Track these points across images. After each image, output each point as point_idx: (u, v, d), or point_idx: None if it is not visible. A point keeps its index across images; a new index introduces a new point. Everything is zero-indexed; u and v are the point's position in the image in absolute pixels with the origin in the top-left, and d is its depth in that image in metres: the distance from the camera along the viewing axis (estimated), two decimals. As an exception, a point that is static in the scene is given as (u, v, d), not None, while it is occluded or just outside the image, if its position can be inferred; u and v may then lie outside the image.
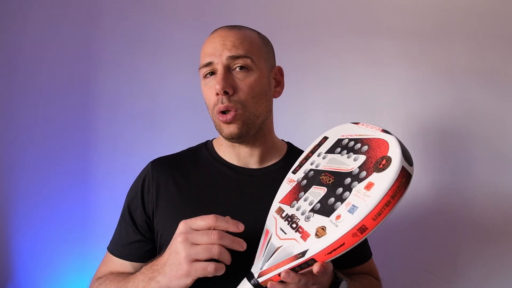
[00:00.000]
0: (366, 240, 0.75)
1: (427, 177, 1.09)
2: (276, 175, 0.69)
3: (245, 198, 0.67)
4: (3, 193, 1.31)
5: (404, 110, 1.12)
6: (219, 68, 0.63)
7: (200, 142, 0.79)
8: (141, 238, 0.68)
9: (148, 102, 1.27)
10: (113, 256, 0.70)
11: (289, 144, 0.79)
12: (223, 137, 0.67)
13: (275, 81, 0.72)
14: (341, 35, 1.17)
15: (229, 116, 0.63)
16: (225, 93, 0.62)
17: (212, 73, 0.65)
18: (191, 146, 0.79)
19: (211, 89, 0.65)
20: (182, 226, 0.52)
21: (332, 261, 0.45)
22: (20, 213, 1.30)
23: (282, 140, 0.80)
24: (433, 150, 1.10)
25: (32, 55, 1.31)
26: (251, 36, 0.68)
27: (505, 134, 1.06)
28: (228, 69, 0.64)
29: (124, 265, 0.69)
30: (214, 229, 0.50)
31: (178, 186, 0.68)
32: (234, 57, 0.63)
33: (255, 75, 0.65)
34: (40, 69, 1.31)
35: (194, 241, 0.50)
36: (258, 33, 0.71)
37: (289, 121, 1.17)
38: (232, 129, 0.64)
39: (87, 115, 1.29)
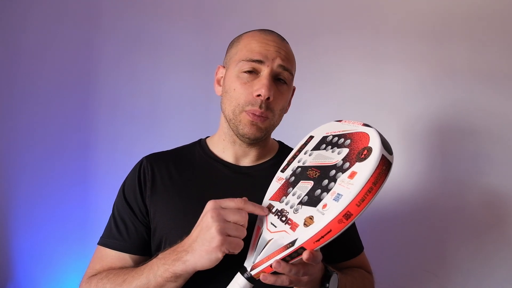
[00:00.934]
0: (356, 233, 0.77)
1: (428, 177, 1.09)
2: (268, 172, 0.70)
3: (238, 195, 0.67)
4: (3, 193, 1.31)
5: (404, 110, 1.13)
6: (267, 72, 0.64)
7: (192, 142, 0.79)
8: (139, 226, 0.67)
9: (148, 102, 1.27)
10: (110, 251, 0.68)
11: (280, 143, 0.81)
12: (240, 134, 0.67)
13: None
14: (341, 35, 1.17)
15: (261, 119, 0.65)
16: (267, 99, 0.63)
17: (251, 71, 0.65)
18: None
19: (247, 85, 0.65)
20: (211, 204, 0.53)
21: (325, 255, 0.46)
22: (20, 213, 1.30)
23: (273, 139, 0.81)
24: (433, 149, 1.10)
25: (32, 55, 1.31)
26: (293, 55, 0.71)
27: (505, 133, 1.06)
28: (273, 77, 0.65)
29: (123, 259, 0.67)
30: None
31: (173, 180, 0.68)
32: (285, 69, 0.66)
33: (289, 91, 0.70)
34: (40, 69, 1.31)
35: (226, 218, 0.51)
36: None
37: (290, 122, 1.17)
38: (254, 131, 0.65)
39: (87, 115, 1.29)
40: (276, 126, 0.71)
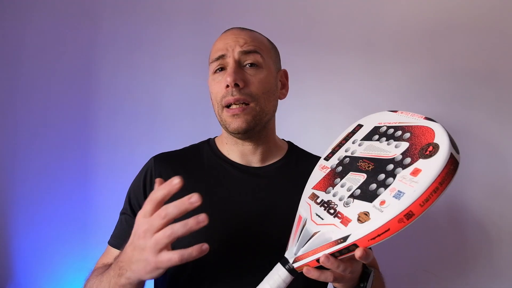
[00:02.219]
0: None
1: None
2: (277, 173, 0.70)
3: (247, 196, 0.67)
4: (3, 193, 1.31)
5: (405, 110, 1.13)
6: (230, 62, 0.65)
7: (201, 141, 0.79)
8: None
9: (149, 102, 1.27)
10: (112, 248, 0.70)
11: (290, 143, 0.80)
12: (230, 132, 0.67)
13: (280, 83, 0.74)
14: (341, 35, 1.17)
15: (240, 108, 0.64)
16: (236, 85, 0.63)
17: (222, 69, 0.66)
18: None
19: (219, 83, 0.66)
20: (139, 221, 0.48)
21: None
22: (21, 213, 1.30)
23: (283, 139, 0.80)
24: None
25: (33, 56, 1.31)
26: (261, 37, 0.71)
27: (505, 133, 1.06)
28: (239, 64, 0.65)
29: None
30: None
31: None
32: (246, 52, 0.65)
33: (264, 72, 0.67)
34: (41, 70, 1.31)
35: (153, 229, 0.46)
36: (267, 38, 0.74)
37: (294, 122, 1.18)
38: (239, 123, 0.64)
39: (89, 115, 1.29)
40: (268, 112, 0.68)
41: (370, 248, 0.45)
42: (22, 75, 1.31)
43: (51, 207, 1.28)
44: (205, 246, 0.45)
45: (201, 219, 0.45)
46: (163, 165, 0.71)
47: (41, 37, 1.31)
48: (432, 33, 1.12)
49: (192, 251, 0.45)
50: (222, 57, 0.66)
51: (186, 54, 1.25)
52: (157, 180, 0.50)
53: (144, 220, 0.47)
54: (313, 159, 0.72)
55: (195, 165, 0.71)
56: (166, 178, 0.67)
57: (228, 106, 0.65)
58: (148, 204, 0.48)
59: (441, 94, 1.10)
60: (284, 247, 0.53)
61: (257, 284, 0.50)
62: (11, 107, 1.31)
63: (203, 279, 0.62)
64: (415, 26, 1.13)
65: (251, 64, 0.66)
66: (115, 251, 0.69)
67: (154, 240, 0.46)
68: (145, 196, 0.68)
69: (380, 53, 1.14)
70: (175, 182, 0.46)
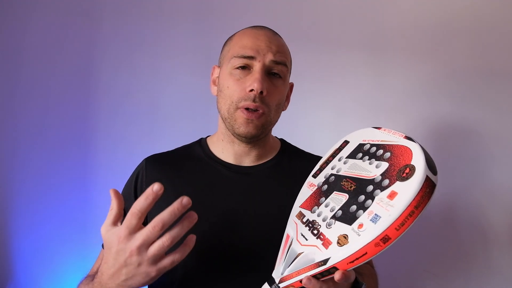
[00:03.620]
0: None
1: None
2: (269, 172, 0.69)
3: (239, 196, 0.67)
4: (3, 193, 1.31)
5: (405, 111, 1.13)
6: (259, 67, 0.63)
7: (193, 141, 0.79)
8: None
9: (148, 102, 1.27)
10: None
11: (283, 141, 0.79)
12: (236, 133, 0.66)
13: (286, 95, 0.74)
14: (341, 35, 1.17)
15: (256, 115, 0.63)
16: (260, 93, 0.62)
17: (244, 67, 0.65)
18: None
19: (240, 82, 0.64)
20: (130, 243, 0.46)
21: None
22: (21, 213, 1.30)
23: (276, 137, 0.80)
24: (434, 150, 1.10)
25: (33, 56, 1.31)
26: (288, 49, 0.70)
27: (507, 134, 1.06)
28: (266, 71, 0.64)
29: None
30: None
31: (172, 183, 0.68)
32: (277, 62, 0.65)
33: (284, 84, 0.68)
34: (41, 69, 1.30)
35: (149, 243, 0.46)
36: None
37: (300, 123, 1.18)
38: (250, 128, 0.64)
39: (88, 115, 1.29)
40: (274, 123, 0.69)
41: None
42: (21, 75, 1.31)
43: (51, 207, 1.28)
44: (194, 216, 0.46)
45: (193, 217, 0.46)
46: (154, 167, 0.70)
47: (41, 37, 1.31)
48: (433, 34, 1.11)
49: (188, 244, 0.47)
50: (251, 57, 0.64)
51: (186, 54, 1.25)
52: (112, 190, 0.49)
53: (133, 236, 0.45)
54: (307, 157, 0.72)
55: (186, 166, 0.71)
56: (157, 177, 0.68)
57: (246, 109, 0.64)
58: (133, 218, 0.45)
59: (448, 94, 1.10)
60: (276, 247, 0.54)
61: (249, 285, 0.51)
62: (11, 107, 1.31)
63: (194, 281, 0.61)
64: (425, 25, 1.12)
65: (275, 74, 0.65)
66: None
67: (153, 253, 0.45)
68: (136, 198, 0.67)
69: (389, 52, 1.14)
70: (157, 188, 0.45)
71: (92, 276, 0.60)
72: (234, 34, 0.71)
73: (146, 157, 0.74)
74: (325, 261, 0.44)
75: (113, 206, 0.48)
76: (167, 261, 0.46)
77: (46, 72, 1.30)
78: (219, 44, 0.75)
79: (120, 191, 0.73)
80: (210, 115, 1.22)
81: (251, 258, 0.61)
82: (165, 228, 0.45)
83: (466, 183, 1.08)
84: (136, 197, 0.68)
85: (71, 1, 1.31)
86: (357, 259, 0.41)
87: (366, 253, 0.41)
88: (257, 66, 0.63)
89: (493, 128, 1.07)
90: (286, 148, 0.77)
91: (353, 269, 0.62)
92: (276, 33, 0.70)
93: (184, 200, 0.45)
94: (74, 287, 0.61)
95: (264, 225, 0.64)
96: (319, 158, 0.66)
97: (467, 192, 1.08)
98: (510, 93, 1.07)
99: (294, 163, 0.73)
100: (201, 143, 0.75)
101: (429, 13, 1.12)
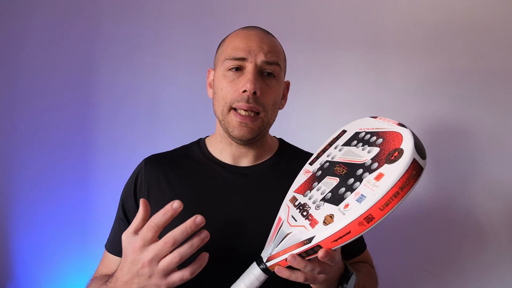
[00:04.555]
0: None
1: (428, 177, 1.10)
2: (267, 172, 0.70)
3: (237, 196, 0.67)
4: (3, 193, 1.30)
5: (404, 110, 1.13)
6: (251, 68, 0.63)
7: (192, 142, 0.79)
8: None
9: (149, 103, 1.27)
10: (110, 254, 0.70)
11: (281, 141, 0.79)
12: (232, 136, 0.66)
13: (282, 94, 0.73)
14: (341, 35, 1.17)
15: (251, 119, 0.63)
16: (254, 93, 0.62)
17: (238, 69, 0.65)
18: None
19: (233, 83, 0.64)
20: (144, 253, 0.47)
21: None
22: (21, 212, 1.29)
23: (274, 136, 0.80)
24: (433, 150, 1.11)
25: (33, 56, 1.31)
26: (280, 47, 0.70)
27: (505, 134, 1.06)
28: (259, 71, 0.64)
29: (118, 261, 0.68)
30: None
31: (170, 183, 0.68)
32: (268, 63, 0.64)
33: (278, 84, 0.68)
34: (41, 70, 1.30)
35: (160, 257, 0.47)
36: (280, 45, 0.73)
37: (299, 120, 1.18)
38: (245, 132, 0.64)
39: (88, 115, 1.29)
40: (271, 123, 0.69)
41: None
42: (21, 74, 1.31)
43: (51, 207, 1.28)
44: (206, 234, 0.47)
45: (204, 236, 0.47)
46: (153, 167, 0.71)
47: (40, 37, 1.31)
48: (440, 31, 1.11)
49: (199, 262, 0.48)
50: (242, 59, 0.64)
51: (186, 54, 1.25)
52: (142, 200, 0.51)
53: (147, 248, 0.47)
54: (305, 156, 0.72)
55: (184, 166, 0.71)
56: (155, 180, 0.68)
57: (236, 109, 0.64)
58: (149, 232, 0.47)
59: (448, 93, 1.10)
60: None
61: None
62: (11, 107, 1.31)
63: (193, 281, 0.61)
64: (423, 24, 1.12)
65: (269, 73, 0.65)
66: (112, 257, 0.69)
67: (162, 268, 0.46)
68: (136, 201, 0.68)
69: (387, 51, 1.14)
70: (176, 206, 0.47)
71: (102, 278, 0.61)
72: (227, 36, 0.71)
73: (145, 157, 0.74)
74: (310, 239, 0.45)
75: (138, 215, 0.50)
76: (176, 277, 0.47)
77: (46, 72, 1.30)
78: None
79: (120, 191, 0.74)
80: (210, 115, 1.21)
81: (249, 258, 0.61)
82: (176, 245, 0.46)
83: (466, 183, 1.08)
84: (136, 197, 0.69)
85: (71, 1, 1.30)
86: (340, 237, 0.42)
87: (349, 231, 0.42)
88: (249, 67, 0.64)
89: (493, 128, 1.07)
90: (284, 147, 0.77)
91: (352, 266, 0.63)
92: (268, 33, 0.69)
93: (198, 218, 0.46)
94: (74, 287, 0.61)
95: (262, 225, 0.63)
96: None
97: (467, 192, 1.08)
98: (509, 92, 1.07)
99: (292, 162, 0.73)
100: (200, 144, 0.76)
101: (429, 13, 1.12)
